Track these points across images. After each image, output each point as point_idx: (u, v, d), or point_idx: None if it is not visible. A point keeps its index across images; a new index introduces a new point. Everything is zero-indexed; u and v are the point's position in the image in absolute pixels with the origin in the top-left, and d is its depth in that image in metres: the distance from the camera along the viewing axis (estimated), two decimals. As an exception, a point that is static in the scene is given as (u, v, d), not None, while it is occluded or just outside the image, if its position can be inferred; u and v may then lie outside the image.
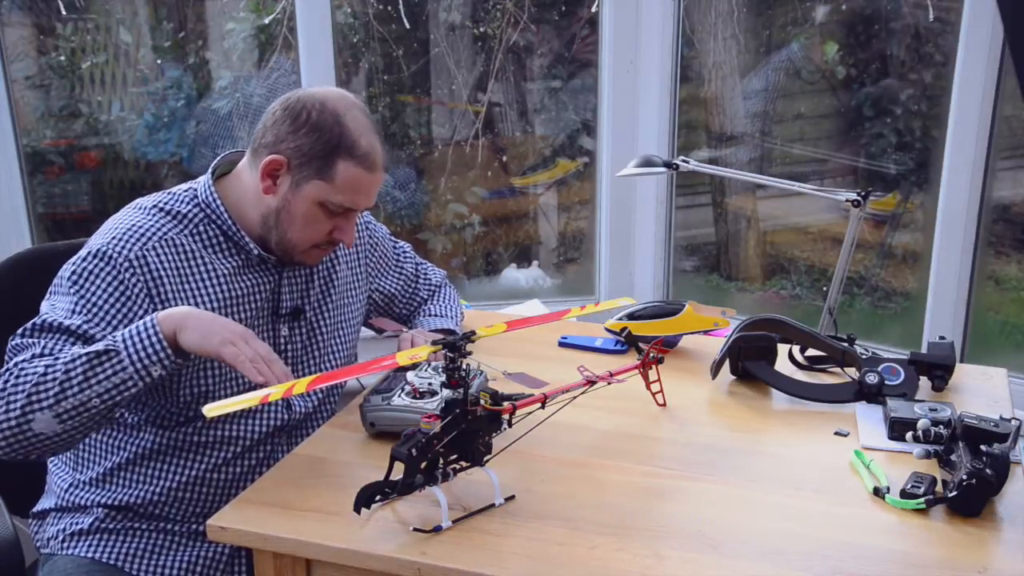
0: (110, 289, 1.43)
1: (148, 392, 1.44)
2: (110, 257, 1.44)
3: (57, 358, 1.33)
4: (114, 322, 1.42)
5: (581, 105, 3.13)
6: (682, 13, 2.77)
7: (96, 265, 1.44)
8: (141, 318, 1.40)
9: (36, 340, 1.38)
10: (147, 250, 1.46)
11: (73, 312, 1.40)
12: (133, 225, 1.48)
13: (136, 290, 1.44)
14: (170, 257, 1.48)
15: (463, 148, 3.19)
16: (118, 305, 1.43)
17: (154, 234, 1.48)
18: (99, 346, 1.33)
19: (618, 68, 2.79)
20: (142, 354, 1.32)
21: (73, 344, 1.38)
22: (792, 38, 2.97)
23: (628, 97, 2.81)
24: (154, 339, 1.33)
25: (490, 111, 3.20)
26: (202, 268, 1.50)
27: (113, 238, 1.46)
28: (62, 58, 2.90)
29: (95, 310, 1.41)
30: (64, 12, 2.85)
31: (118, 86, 2.95)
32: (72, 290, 1.43)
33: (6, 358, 1.39)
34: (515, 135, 3.29)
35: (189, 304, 1.47)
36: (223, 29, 3.03)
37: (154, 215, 1.51)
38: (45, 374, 1.31)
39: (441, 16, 3.11)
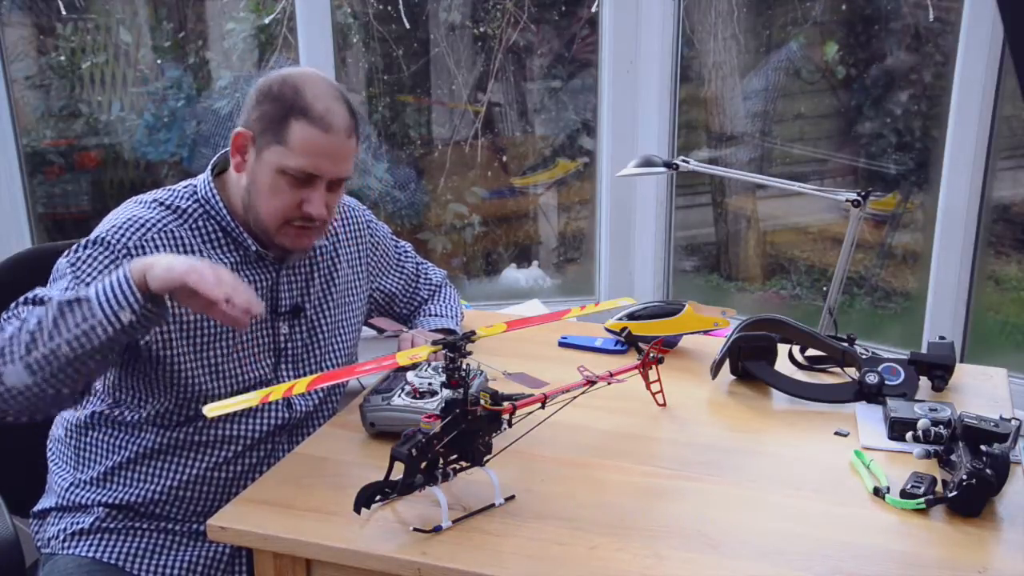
0: (105, 272, 1.41)
1: (120, 346, 1.36)
2: (108, 243, 1.44)
3: (32, 312, 1.31)
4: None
5: (581, 105, 3.13)
6: (682, 13, 2.77)
7: (94, 250, 1.44)
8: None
9: (23, 309, 1.36)
10: (146, 240, 1.46)
11: (66, 291, 1.39)
12: (132, 216, 1.48)
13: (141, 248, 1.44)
14: (169, 248, 1.48)
15: (463, 148, 3.19)
16: None
17: (153, 225, 1.48)
18: (70, 295, 1.31)
19: (618, 68, 2.79)
20: (111, 298, 1.29)
21: None
22: (792, 38, 2.97)
23: (628, 97, 2.81)
24: (123, 282, 1.29)
25: (490, 111, 3.20)
26: (205, 254, 1.51)
27: (112, 227, 1.46)
28: (62, 58, 2.90)
29: (87, 278, 1.41)
30: (64, 12, 2.85)
31: (118, 86, 2.95)
32: (69, 272, 1.42)
33: None
34: (515, 135, 3.29)
35: None
36: (223, 29, 3.03)
37: (153, 208, 1.51)
38: (20, 327, 1.29)
39: (441, 16, 3.11)
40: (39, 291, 1.40)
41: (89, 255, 1.44)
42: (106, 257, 1.43)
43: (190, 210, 1.52)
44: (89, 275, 1.41)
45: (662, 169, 2.21)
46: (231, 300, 1.28)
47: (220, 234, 1.53)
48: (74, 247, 1.46)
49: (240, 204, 1.53)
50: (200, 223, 1.52)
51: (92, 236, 1.46)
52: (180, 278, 1.28)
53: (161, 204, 1.52)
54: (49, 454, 1.61)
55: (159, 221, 1.49)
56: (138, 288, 1.29)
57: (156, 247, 1.47)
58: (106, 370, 1.48)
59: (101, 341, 1.29)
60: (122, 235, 1.45)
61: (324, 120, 1.46)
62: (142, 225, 1.47)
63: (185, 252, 1.49)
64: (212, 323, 1.49)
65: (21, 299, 1.39)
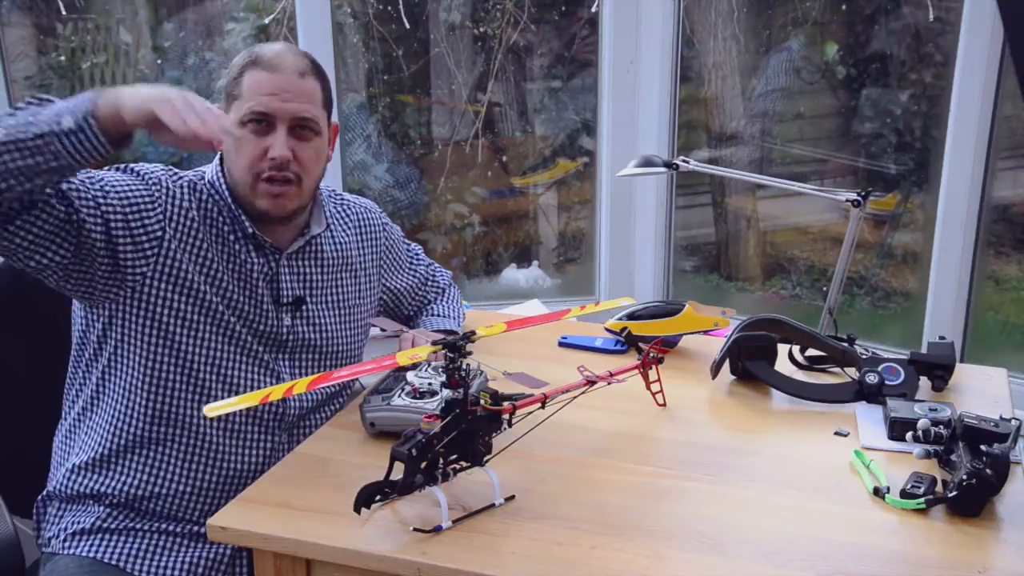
0: (138, 190, 1.45)
1: (57, 163, 1.26)
2: (140, 173, 1.48)
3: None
4: (123, 207, 1.42)
5: (581, 105, 3.13)
6: (682, 13, 2.77)
7: (124, 175, 1.47)
8: (153, 235, 1.45)
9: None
10: (177, 185, 1.51)
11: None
12: (159, 166, 1.53)
13: (157, 199, 1.46)
14: (193, 201, 1.51)
15: (463, 148, 3.19)
16: (133, 197, 1.44)
17: (184, 177, 1.53)
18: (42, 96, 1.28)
19: (618, 68, 2.79)
20: (68, 105, 1.24)
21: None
22: (792, 38, 2.97)
23: (628, 97, 2.81)
24: (86, 96, 1.25)
25: (490, 111, 3.20)
26: (213, 232, 1.52)
27: (144, 164, 1.51)
28: (62, 58, 2.91)
29: (115, 195, 1.42)
30: (64, 12, 2.85)
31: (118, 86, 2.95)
32: (96, 182, 1.43)
33: None
34: (515, 135, 3.30)
35: (199, 264, 1.49)
36: (223, 29, 3.03)
37: (175, 170, 1.55)
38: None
39: (441, 16, 3.11)
40: None
41: (122, 176, 1.46)
42: (139, 182, 1.47)
43: (200, 187, 1.55)
44: (118, 192, 1.43)
45: (662, 169, 2.21)
46: (204, 123, 1.25)
47: (226, 216, 1.54)
48: (104, 168, 1.47)
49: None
50: (208, 205, 1.54)
51: (125, 164, 1.50)
52: (150, 110, 1.24)
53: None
54: (54, 441, 1.61)
55: (188, 176, 1.54)
56: (98, 106, 1.24)
57: (183, 193, 1.50)
58: (11, 199, 1.31)
59: (35, 135, 1.22)
60: (155, 170, 1.50)
61: (271, 63, 1.49)
62: (174, 172, 1.53)
63: (205, 210, 1.52)
64: (215, 308, 1.50)
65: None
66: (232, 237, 1.54)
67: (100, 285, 1.44)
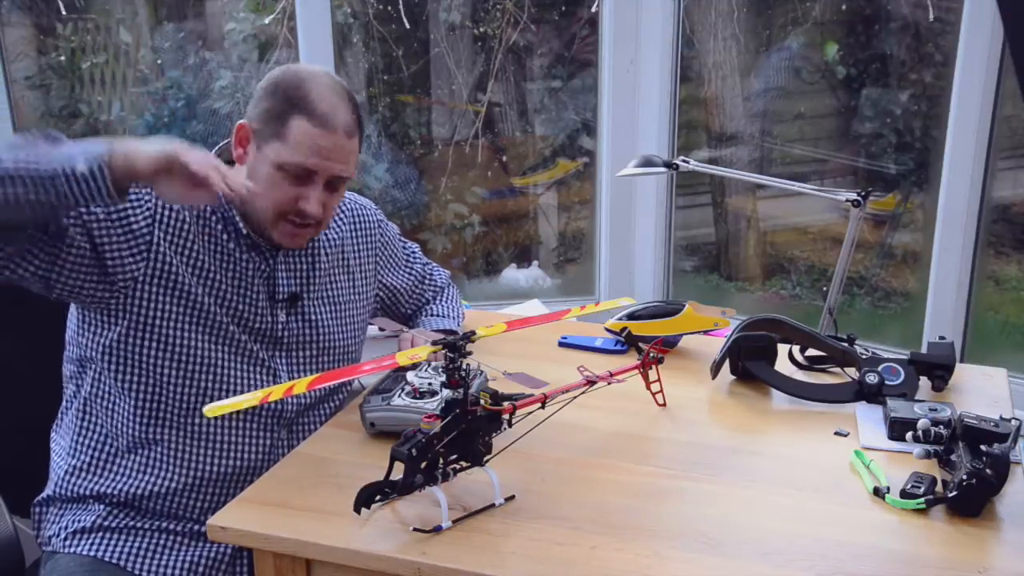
0: (135, 200, 1.43)
1: (51, 206, 1.27)
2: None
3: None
4: (106, 212, 1.41)
5: (581, 105, 3.13)
6: (682, 13, 2.77)
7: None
8: (141, 238, 1.43)
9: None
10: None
11: None
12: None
13: (144, 201, 1.45)
14: (179, 210, 1.49)
15: (463, 148, 3.19)
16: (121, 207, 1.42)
17: None
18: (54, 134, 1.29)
19: (618, 68, 2.79)
20: (80, 149, 1.26)
21: None
22: (792, 38, 2.97)
23: (628, 97, 2.81)
24: (99, 145, 1.27)
25: (490, 111, 3.21)
26: (205, 232, 1.51)
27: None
28: (62, 58, 2.91)
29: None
30: (64, 12, 2.85)
31: (118, 86, 2.95)
32: None
33: None
34: (515, 135, 3.30)
35: (190, 266, 1.48)
36: (223, 29, 3.03)
37: None
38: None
39: (441, 16, 3.11)
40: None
41: None
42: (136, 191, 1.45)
43: None
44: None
45: (662, 169, 2.21)
46: (219, 172, 1.29)
47: (220, 218, 1.53)
48: None
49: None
50: (199, 208, 1.53)
51: None
52: (173, 153, 1.27)
53: None
54: (52, 444, 1.61)
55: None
56: (112, 156, 1.26)
57: (170, 205, 1.48)
58: (16, 239, 1.35)
59: (43, 173, 1.23)
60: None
61: (324, 118, 1.46)
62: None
63: (194, 211, 1.50)
64: (208, 310, 1.50)
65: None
66: (226, 236, 1.53)
67: (88, 291, 1.43)
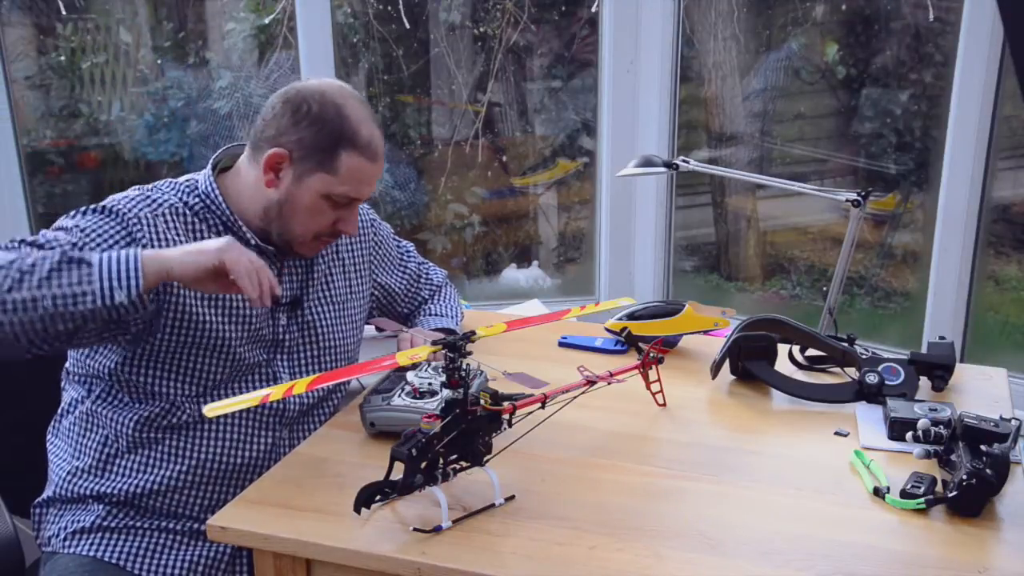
0: (116, 236, 1.41)
1: (99, 324, 1.35)
2: (118, 212, 1.44)
3: (30, 253, 1.30)
4: None
5: (581, 105, 3.13)
6: (682, 13, 2.77)
7: (105, 219, 1.43)
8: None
9: (24, 248, 1.35)
10: (156, 215, 1.47)
11: (73, 247, 1.37)
12: (141, 193, 1.49)
13: (140, 240, 1.43)
14: (178, 227, 1.48)
15: (463, 148, 3.19)
16: (114, 246, 1.41)
17: (164, 203, 1.49)
18: (75, 253, 1.30)
19: (618, 68, 2.79)
20: (114, 273, 1.28)
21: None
22: (792, 38, 2.97)
23: (628, 97, 2.81)
24: (131, 262, 1.28)
25: (490, 111, 3.21)
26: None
27: (122, 197, 1.47)
28: (62, 58, 2.91)
29: (93, 245, 1.40)
30: (64, 12, 2.85)
31: (118, 86, 2.95)
32: (76, 232, 1.40)
33: None
34: (515, 135, 3.30)
35: (192, 289, 1.46)
36: (223, 29, 3.03)
37: (161, 189, 1.52)
38: (12, 263, 1.28)
39: (441, 16, 3.11)
40: (44, 233, 1.39)
41: (99, 222, 1.43)
42: (115, 224, 1.43)
43: (191, 203, 1.53)
44: (96, 241, 1.41)
45: (662, 169, 2.21)
46: (260, 279, 1.33)
47: (221, 228, 1.53)
48: (81, 209, 1.45)
49: (246, 204, 1.53)
50: (202, 215, 1.52)
51: (101, 204, 1.46)
52: (216, 259, 1.30)
53: (165, 191, 1.53)
54: (49, 445, 1.61)
55: (168, 200, 1.50)
56: (144, 275, 1.28)
57: (166, 223, 1.47)
58: (72, 343, 1.42)
59: (86, 309, 1.27)
60: (132, 206, 1.46)
61: (371, 149, 1.50)
62: (153, 200, 1.48)
63: (192, 234, 1.49)
64: (215, 327, 1.49)
65: (20, 237, 1.37)
66: None
67: (105, 339, 1.44)
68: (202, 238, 1.50)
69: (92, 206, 1.46)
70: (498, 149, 3.26)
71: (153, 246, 1.44)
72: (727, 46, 2.98)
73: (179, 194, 1.53)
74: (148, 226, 1.45)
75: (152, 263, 1.29)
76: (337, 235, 1.56)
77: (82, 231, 1.41)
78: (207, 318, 1.48)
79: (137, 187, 1.54)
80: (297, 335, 1.61)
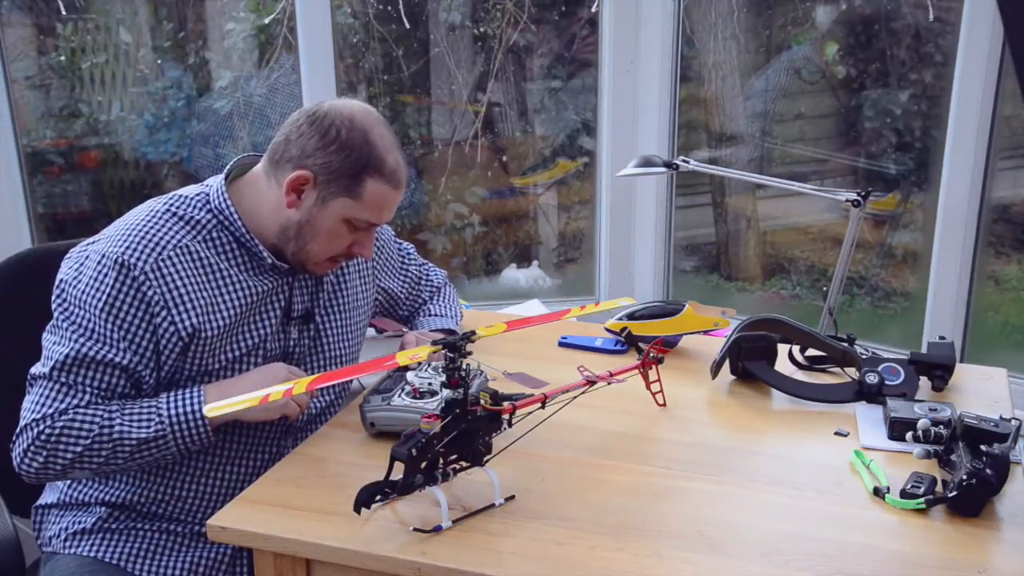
0: (136, 308, 1.42)
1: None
2: (130, 267, 1.42)
3: (108, 422, 1.39)
4: (143, 342, 1.43)
5: (581, 105, 3.13)
6: (682, 13, 2.77)
7: (118, 279, 1.41)
8: (159, 327, 1.43)
9: (76, 378, 1.41)
10: (162, 260, 1.44)
11: (107, 339, 1.41)
12: (147, 233, 1.46)
13: (154, 300, 1.42)
14: (185, 266, 1.46)
15: (463, 148, 3.19)
16: (144, 324, 1.42)
17: (168, 242, 1.46)
18: (150, 431, 1.40)
19: (618, 68, 2.79)
20: (187, 439, 1.42)
21: (113, 378, 1.42)
22: (792, 38, 2.97)
23: (628, 97, 2.81)
24: (201, 429, 1.43)
25: (490, 111, 3.20)
26: (217, 276, 1.49)
27: (128, 246, 1.43)
28: (62, 58, 2.90)
29: (129, 336, 1.42)
30: (64, 12, 2.85)
31: (118, 86, 2.95)
32: (102, 310, 1.41)
33: (42, 390, 1.41)
34: (515, 135, 3.29)
35: (206, 312, 1.46)
36: (223, 29, 3.03)
37: (167, 220, 1.48)
38: (97, 440, 1.39)
39: (441, 16, 3.11)
40: (78, 344, 1.41)
41: (115, 286, 1.41)
42: (131, 287, 1.41)
43: (203, 221, 1.50)
44: (122, 315, 1.41)
45: (662, 169, 2.21)
46: (302, 410, 1.52)
47: (234, 245, 1.51)
48: (89, 262, 1.43)
49: (261, 220, 1.52)
50: (214, 234, 1.50)
51: (111, 254, 1.42)
52: (279, 414, 1.49)
53: (174, 215, 1.49)
54: None
55: (173, 237, 1.47)
56: (212, 427, 1.44)
57: (173, 266, 1.45)
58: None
59: (170, 456, 1.46)
60: (140, 256, 1.43)
61: (395, 176, 1.50)
62: (157, 243, 1.45)
63: (201, 267, 1.48)
64: (226, 344, 1.50)
65: (62, 358, 1.41)
66: (240, 267, 1.52)
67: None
68: (212, 270, 1.49)
69: (98, 258, 1.43)
70: (498, 149, 3.26)
71: (163, 297, 1.43)
72: (727, 46, 2.98)
73: (190, 210, 1.50)
74: (156, 279, 1.43)
75: (219, 417, 1.41)
76: (351, 257, 1.57)
77: (114, 319, 1.42)
78: (210, 340, 1.48)
79: (146, 213, 1.50)
80: (305, 346, 1.61)
